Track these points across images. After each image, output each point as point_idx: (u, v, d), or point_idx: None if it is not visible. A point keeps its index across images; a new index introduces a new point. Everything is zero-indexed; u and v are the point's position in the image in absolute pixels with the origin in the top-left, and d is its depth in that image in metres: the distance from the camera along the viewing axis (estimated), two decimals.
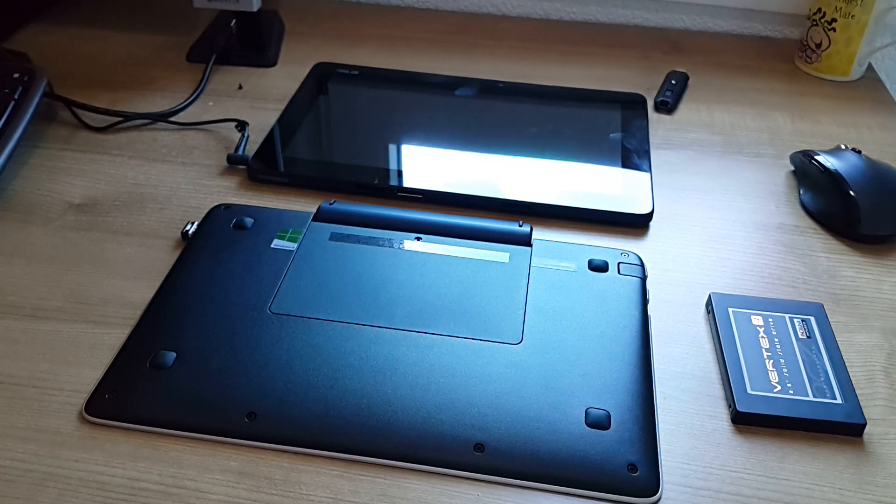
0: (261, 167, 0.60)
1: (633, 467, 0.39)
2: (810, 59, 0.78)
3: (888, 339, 0.49)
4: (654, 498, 0.39)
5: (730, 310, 0.48)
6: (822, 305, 0.49)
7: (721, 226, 0.57)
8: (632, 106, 0.70)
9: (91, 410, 0.41)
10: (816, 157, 0.59)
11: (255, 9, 0.74)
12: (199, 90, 0.70)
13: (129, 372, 0.43)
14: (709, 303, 0.50)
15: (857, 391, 0.44)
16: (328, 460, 0.40)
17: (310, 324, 0.46)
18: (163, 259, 0.52)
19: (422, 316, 0.47)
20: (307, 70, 0.73)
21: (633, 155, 0.63)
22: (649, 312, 0.49)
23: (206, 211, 0.55)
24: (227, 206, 0.55)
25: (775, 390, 0.43)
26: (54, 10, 0.84)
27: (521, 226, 0.54)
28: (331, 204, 0.55)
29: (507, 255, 0.52)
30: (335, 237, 0.53)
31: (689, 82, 0.75)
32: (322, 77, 0.72)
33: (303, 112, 0.67)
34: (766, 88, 0.75)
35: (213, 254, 0.51)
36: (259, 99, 0.70)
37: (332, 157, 0.62)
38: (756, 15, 0.86)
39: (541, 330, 0.46)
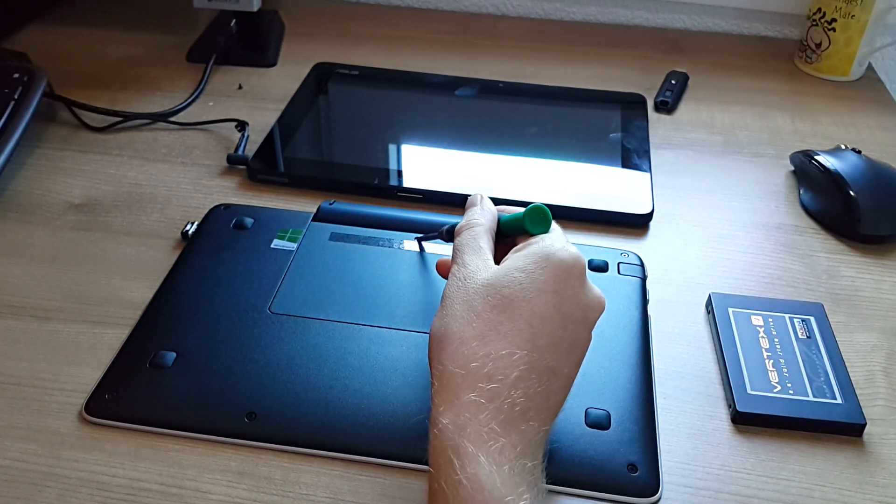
0: (261, 167, 0.60)
1: (633, 467, 0.39)
2: (810, 59, 0.78)
3: (888, 339, 0.48)
4: (654, 498, 0.39)
5: (730, 310, 0.48)
6: (822, 305, 0.49)
7: (721, 226, 0.57)
8: (632, 106, 0.70)
9: (91, 410, 0.41)
10: (816, 157, 0.59)
11: (255, 9, 0.74)
12: (199, 90, 0.70)
13: (129, 372, 0.43)
14: (709, 303, 0.50)
15: (857, 391, 0.44)
16: (328, 460, 0.40)
17: (310, 324, 0.46)
18: (163, 259, 0.52)
19: (422, 316, 0.47)
20: (307, 70, 0.73)
21: (633, 155, 0.63)
22: (649, 312, 0.49)
23: (206, 211, 0.55)
24: (227, 206, 0.55)
25: (775, 390, 0.43)
26: (54, 10, 0.84)
27: None
28: (331, 204, 0.55)
29: None
30: (335, 237, 0.53)
31: (689, 82, 0.75)
32: (322, 77, 0.72)
33: (303, 112, 0.67)
34: (766, 88, 0.75)
35: (213, 254, 0.51)
36: (259, 99, 0.70)
37: (332, 157, 0.62)
38: (756, 15, 0.86)
39: None
